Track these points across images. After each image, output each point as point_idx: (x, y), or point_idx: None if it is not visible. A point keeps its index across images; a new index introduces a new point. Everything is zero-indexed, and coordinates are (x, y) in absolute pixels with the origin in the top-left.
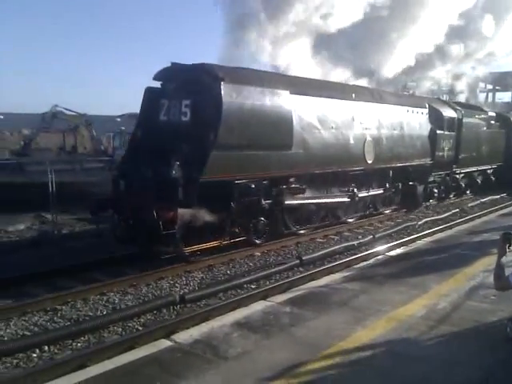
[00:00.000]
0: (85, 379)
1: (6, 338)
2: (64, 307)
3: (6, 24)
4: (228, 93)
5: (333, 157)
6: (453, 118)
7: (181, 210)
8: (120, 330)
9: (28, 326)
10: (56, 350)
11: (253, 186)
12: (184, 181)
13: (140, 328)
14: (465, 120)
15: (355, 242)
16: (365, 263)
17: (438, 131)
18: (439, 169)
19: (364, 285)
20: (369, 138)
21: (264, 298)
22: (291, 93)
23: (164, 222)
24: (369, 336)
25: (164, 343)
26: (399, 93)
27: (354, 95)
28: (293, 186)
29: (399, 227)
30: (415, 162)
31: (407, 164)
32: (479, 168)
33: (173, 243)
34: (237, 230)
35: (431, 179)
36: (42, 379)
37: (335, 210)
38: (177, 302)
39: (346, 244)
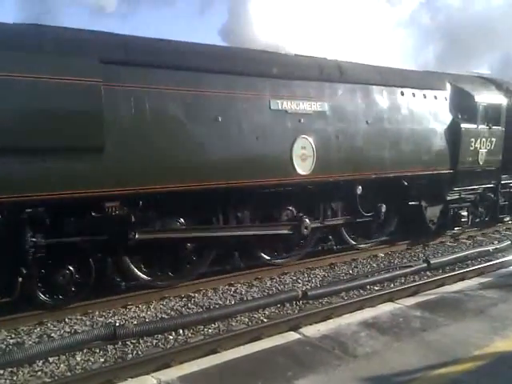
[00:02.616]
0: (218, 363)
1: (147, 320)
2: (197, 295)
3: None
4: None
5: (216, 165)
6: (496, 106)
7: None
8: (246, 320)
9: (165, 309)
10: (190, 334)
11: None
12: None
13: (265, 320)
14: None
15: (490, 248)
16: (503, 270)
17: (465, 125)
18: (469, 181)
19: (503, 293)
20: (304, 137)
21: (388, 300)
22: (105, 60)
23: None
24: (509, 347)
25: (293, 335)
26: (389, 67)
27: (275, 70)
28: (117, 213)
29: None
30: (417, 171)
31: (399, 174)
32: None
33: None
34: None
35: (454, 196)
36: (178, 360)
37: (247, 248)
38: (299, 298)
39: (480, 249)
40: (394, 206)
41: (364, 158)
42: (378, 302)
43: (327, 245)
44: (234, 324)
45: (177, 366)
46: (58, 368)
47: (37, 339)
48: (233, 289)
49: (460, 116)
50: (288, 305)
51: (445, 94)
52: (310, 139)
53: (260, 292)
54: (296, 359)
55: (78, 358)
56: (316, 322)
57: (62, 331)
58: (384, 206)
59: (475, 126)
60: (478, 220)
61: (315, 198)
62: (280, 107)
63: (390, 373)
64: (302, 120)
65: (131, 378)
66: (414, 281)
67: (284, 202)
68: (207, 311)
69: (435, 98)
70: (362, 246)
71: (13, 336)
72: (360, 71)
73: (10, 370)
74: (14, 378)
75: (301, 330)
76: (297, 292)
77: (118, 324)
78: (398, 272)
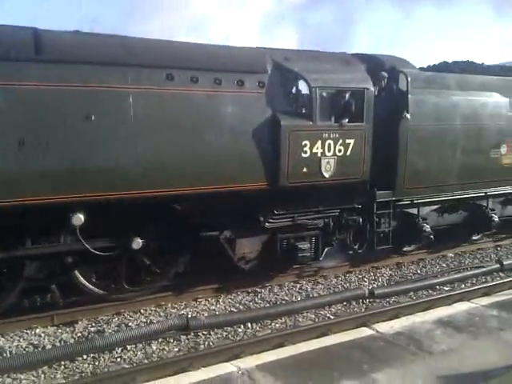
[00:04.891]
0: (294, 354)
1: (217, 313)
2: (263, 290)
3: None
4: None
5: None
6: (356, 94)
7: None
8: (313, 316)
9: (234, 303)
10: (258, 328)
11: None
12: None
13: (331, 317)
14: (420, 96)
15: None
16: None
17: (288, 122)
18: (307, 201)
19: None
20: None
21: (458, 301)
22: None
23: None
24: None
25: (366, 331)
26: (153, 39)
27: None
28: None
29: None
30: (188, 190)
31: (157, 194)
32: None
33: None
34: None
35: (282, 223)
36: (248, 351)
37: None
38: (366, 296)
39: None
40: (176, 238)
41: (82, 172)
42: (448, 303)
43: (42, 299)
44: (300, 320)
45: (255, 355)
46: (136, 355)
47: (115, 328)
48: (298, 285)
49: (289, 109)
50: (354, 303)
51: (260, 78)
52: None
53: (325, 289)
54: (370, 353)
55: (154, 347)
56: (383, 321)
57: (139, 321)
58: (139, 240)
59: (310, 122)
60: (351, 252)
61: None
62: None
63: (468, 369)
64: None
65: (204, 367)
66: (486, 281)
67: None
68: (274, 306)
69: (240, 83)
70: (120, 296)
71: (93, 325)
72: (72, 44)
73: (92, 355)
74: (96, 363)
75: (374, 326)
76: (363, 290)
77: (190, 316)
78: (469, 272)
